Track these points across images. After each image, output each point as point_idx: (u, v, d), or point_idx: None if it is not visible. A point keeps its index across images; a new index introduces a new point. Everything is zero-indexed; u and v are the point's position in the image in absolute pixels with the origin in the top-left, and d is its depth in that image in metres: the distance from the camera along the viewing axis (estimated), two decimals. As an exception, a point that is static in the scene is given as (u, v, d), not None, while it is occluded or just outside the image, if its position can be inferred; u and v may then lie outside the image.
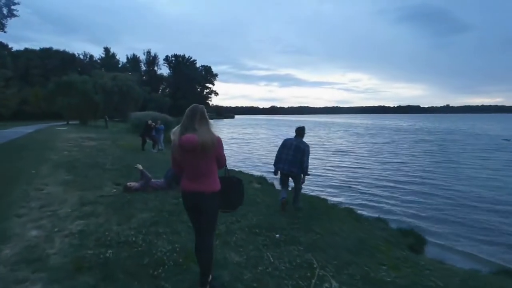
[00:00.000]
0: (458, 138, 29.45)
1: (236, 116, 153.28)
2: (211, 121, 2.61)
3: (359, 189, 9.89)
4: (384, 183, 10.81)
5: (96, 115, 36.81)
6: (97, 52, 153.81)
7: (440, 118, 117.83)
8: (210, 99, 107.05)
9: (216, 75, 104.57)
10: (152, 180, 6.32)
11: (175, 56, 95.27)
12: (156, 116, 23.40)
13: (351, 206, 6.97)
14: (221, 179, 2.65)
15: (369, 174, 12.19)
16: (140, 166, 6.41)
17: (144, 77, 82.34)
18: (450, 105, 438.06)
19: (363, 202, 8.36)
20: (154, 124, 13.96)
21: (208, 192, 2.51)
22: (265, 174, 11.54)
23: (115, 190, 6.22)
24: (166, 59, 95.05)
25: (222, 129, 51.32)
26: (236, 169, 11.01)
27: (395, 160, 15.92)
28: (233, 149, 22.47)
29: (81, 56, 75.11)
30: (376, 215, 6.54)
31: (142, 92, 50.09)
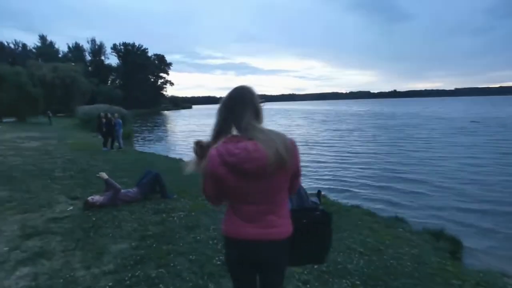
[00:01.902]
0: (423, 123, 29.51)
1: (194, 106, 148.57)
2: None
3: (347, 182, 9.12)
4: (373, 173, 10.24)
5: (36, 110, 32.43)
6: (31, 41, 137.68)
7: (391, 103, 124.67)
8: (165, 90, 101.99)
9: (170, 64, 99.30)
10: (122, 191, 4.89)
11: (124, 44, 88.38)
12: (108, 109, 20.89)
13: (356, 205, 6.14)
14: (294, 214, 1.49)
15: (351, 166, 11.45)
16: (104, 175, 4.92)
17: (89, 67, 75.31)
18: (397, 90, 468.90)
19: (361, 197, 7.60)
20: (112, 118, 11.99)
21: (278, 239, 1.37)
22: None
23: (71, 208, 4.71)
24: (114, 47, 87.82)
25: (182, 120, 48.82)
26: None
27: (375, 149, 15.24)
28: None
29: (11, 45, 66.43)
30: (389, 214, 5.75)
31: (89, 84, 45.49)
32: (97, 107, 26.19)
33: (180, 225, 3.96)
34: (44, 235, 3.62)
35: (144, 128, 32.75)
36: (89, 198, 4.64)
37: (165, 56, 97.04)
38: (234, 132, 1.33)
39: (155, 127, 34.79)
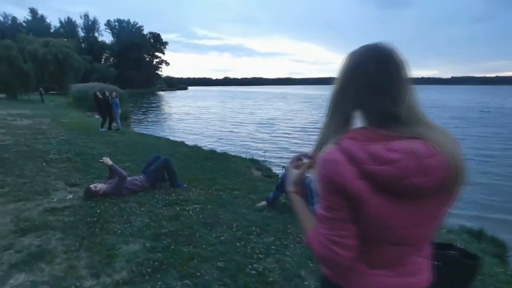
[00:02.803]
0: (436, 112, 28.87)
1: (189, 88, 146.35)
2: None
3: None
4: None
5: (28, 87, 31.20)
6: (21, 15, 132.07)
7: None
8: (160, 70, 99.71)
9: (166, 43, 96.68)
10: (128, 178, 4.38)
11: (119, 21, 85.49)
12: (105, 87, 19.98)
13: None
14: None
15: None
16: (108, 160, 4.39)
17: (83, 44, 72.78)
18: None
19: None
20: (110, 96, 11.29)
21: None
22: (249, 155, 9.97)
23: (71, 197, 4.19)
24: (108, 24, 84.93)
25: (177, 102, 47.82)
26: (218, 151, 9.22)
27: None
28: (203, 125, 20.33)
29: (1, 18, 63.74)
30: None
31: (82, 61, 43.85)
32: (92, 86, 25.15)
33: (197, 221, 3.48)
34: (41, 231, 3.12)
35: (139, 109, 31.87)
36: (92, 186, 4.12)
37: (160, 34, 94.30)
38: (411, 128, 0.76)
39: (151, 108, 33.90)
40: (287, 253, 2.87)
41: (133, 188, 4.38)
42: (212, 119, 22.70)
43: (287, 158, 10.66)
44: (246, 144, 12.94)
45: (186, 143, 10.44)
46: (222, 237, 3.09)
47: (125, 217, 3.47)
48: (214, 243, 2.95)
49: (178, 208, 3.84)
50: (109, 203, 3.90)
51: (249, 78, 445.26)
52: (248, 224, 3.45)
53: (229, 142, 13.36)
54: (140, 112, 28.18)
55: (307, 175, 1.07)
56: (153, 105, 39.98)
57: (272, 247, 2.96)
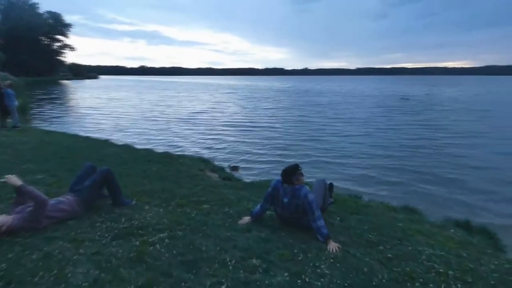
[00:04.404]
0: (359, 101, 30.58)
1: (100, 76, 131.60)
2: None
3: (341, 172, 8.10)
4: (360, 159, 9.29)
5: None
6: None
7: (307, 80, 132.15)
8: (63, 55, 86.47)
9: (69, 25, 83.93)
10: (51, 202, 3.00)
11: (4, -5, 70.63)
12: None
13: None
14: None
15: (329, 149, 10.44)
16: (16, 180, 2.90)
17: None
18: (308, 68, 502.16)
19: (359, 184, 6.92)
20: (1, 85, 8.65)
21: None
22: (197, 153, 8.90)
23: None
24: (-10, -2, 69.49)
25: (85, 92, 42.14)
26: (160, 150, 7.83)
27: (340, 128, 14.50)
28: (122, 120, 17.92)
29: None
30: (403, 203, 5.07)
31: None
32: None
33: (173, 260, 2.43)
34: None
35: (38, 100, 26.73)
36: (-12, 222, 2.65)
37: (61, 15, 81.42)
38: None
39: (54, 100, 28.81)
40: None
41: (59, 215, 3.02)
42: (132, 113, 20.20)
43: (229, 153, 9.83)
44: (179, 141, 11.64)
45: (112, 141, 8.73)
46: (222, 286, 2.14)
47: (55, 271, 2.21)
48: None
49: (136, 241, 2.70)
50: (22, 246, 2.53)
51: (168, 68, 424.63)
52: (244, 255, 2.56)
53: (160, 139, 11.85)
54: (41, 105, 23.59)
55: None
56: (55, 96, 34.24)
57: (294, 288, 2.16)
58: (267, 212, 3.38)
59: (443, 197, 6.15)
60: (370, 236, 3.03)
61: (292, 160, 8.85)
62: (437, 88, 57.32)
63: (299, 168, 3.06)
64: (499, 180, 7.25)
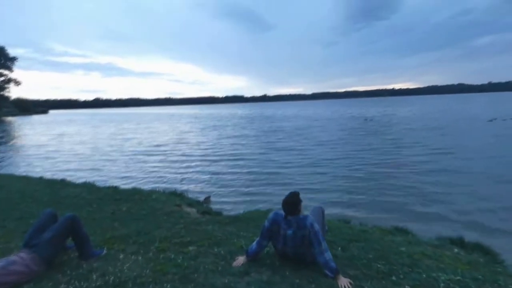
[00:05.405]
0: (323, 124, 31.31)
1: (51, 111, 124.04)
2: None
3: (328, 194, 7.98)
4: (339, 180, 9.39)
5: None
6: None
7: (267, 106, 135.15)
8: (7, 90, 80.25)
9: (14, 58, 78.87)
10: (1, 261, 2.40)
11: None
12: None
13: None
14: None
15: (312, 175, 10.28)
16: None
17: None
18: (267, 94, 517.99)
19: (351, 208, 6.73)
20: None
21: None
22: (167, 189, 8.27)
23: None
24: None
25: (32, 129, 39.10)
26: (126, 187, 7.14)
27: (311, 156, 13.94)
28: (77, 156, 16.60)
29: None
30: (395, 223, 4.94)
31: None
32: None
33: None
34: None
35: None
36: None
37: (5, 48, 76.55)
38: None
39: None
40: None
41: (10, 280, 2.43)
42: (87, 149, 18.80)
43: (200, 184, 9.34)
44: (144, 175, 10.90)
45: (69, 180, 7.87)
46: None
47: None
48: None
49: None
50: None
51: (125, 99, 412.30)
52: (249, 307, 2.18)
53: (124, 176, 10.99)
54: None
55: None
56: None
57: None
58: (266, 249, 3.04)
59: (426, 214, 6.19)
60: (379, 266, 2.80)
61: (265, 188, 8.58)
62: (391, 108, 61.43)
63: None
64: (476, 195, 7.38)
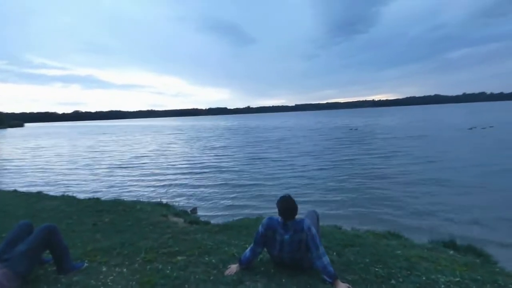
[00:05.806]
0: (308, 134, 31.66)
1: (27, 124, 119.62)
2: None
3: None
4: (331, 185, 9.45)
5: None
6: None
7: (251, 118, 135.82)
8: (-20, 103, 77.22)
9: (-12, 70, 76.24)
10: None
11: None
12: None
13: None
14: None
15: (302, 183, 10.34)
16: None
17: None
18: (250, 106, 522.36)
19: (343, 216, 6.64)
20: None
21: None
22: (152, 199, 8.01)
23: None
24: None
25: (11, 143, 37.47)
26: (104, 198, 6.81)
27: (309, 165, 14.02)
28: (55, 170, 15.92)
29: None
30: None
31: None
32: None
33: None
34: None
35: None
36: None
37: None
38: None
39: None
40: None
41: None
42: (65, 162, 18.10)
43: (186, 195, 9.10)
44: (129, 188, 10.54)
45: (46, 193, 7.46)
46: None
47: None
48: None
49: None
50: None
51: (106, 112, 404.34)
52: (246, 317, 2.03)
53: (106, 188, 10.58)
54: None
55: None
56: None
57: None
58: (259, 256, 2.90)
59: (413, 223, 6.22)
60: (377, 270, 2.71)
61: (249, 201, 8.41)
62: (373, 119, 62.93)
63: None
64: (465, 200, 7.53)
